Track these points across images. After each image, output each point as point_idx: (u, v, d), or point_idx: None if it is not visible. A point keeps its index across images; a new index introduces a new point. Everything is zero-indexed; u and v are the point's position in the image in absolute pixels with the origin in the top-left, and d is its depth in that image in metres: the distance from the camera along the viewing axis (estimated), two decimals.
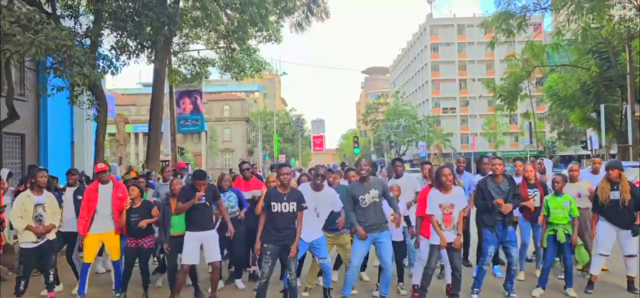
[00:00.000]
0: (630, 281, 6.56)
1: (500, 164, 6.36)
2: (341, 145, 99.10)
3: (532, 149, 45.94)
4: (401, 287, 6.70)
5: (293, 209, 5.58)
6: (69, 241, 7.19)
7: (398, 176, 7.35)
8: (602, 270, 7.08)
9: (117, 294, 6.60)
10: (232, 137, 67.70)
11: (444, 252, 5.96)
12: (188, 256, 6.12)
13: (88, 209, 6.54)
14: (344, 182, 7.35)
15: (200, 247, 6.26)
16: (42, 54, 7.83)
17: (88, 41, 11.28)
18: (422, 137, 67.71)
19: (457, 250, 5.80)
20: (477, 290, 6.33)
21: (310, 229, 6.00)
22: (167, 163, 17.18)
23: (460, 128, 78.63)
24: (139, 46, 11.53)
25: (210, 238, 6.24)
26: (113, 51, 11.39)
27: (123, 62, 11.54)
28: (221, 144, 66.21)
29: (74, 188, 7.32)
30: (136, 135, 59.07)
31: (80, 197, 6.91)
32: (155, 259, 8.33)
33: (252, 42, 19.14)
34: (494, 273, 7.45)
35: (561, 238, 6.37)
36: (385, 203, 6.10)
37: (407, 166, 9.93)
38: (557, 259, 7.41)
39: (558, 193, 6.56)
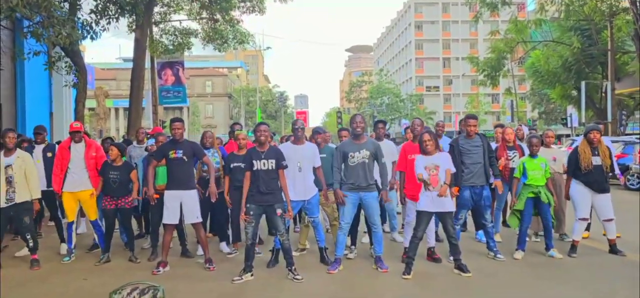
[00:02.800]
0: (612, 243, 6.68)
1: (474, 125, 6.47)
2: (325, 123, 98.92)
3: (513, 126, 46.40)
4: (351, 250, 6.69)
5: (272, 166, 5.55)
6: (45, 200, 7.09)
7: (378, 138, 7.21)
8: (583, 238, 7.20)
9: (102, 256, 6.57)
10: (214, 113, 67.13)
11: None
12: (168, 215, 6.03)
13: (61, 167, 6.55)
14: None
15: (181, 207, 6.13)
16: (22, 7, 7.48)
17: (67, 5, 10.95)
18: (405, 115, 67.89)
19: (450, 215, 5.76)
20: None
21: (303, 187, 6.03)
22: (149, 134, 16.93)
23: (443, 106, 79.07)
24: (119, 10, 11.23)
25: (189, 197, 6.06)
26: (93, 15, 11.07)
27: (103, 26, 11.24)
28: (203, 119, 65.57)
29: (42, 146, 7.31)
30: (116, 110, 58.19)
31: (49, 154, 6.94)
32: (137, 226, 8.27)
33: (235, 13, 18.90)
34: (478, 239, 7.52)
35: (545, 199, 6.47)
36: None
37: None
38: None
39: (534, 155, 6.59)
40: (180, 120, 6.20)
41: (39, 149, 7.22)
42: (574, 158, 6.73)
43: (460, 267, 5.77)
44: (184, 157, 5.99)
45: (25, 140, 7.38)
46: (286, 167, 5.71)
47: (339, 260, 6.05)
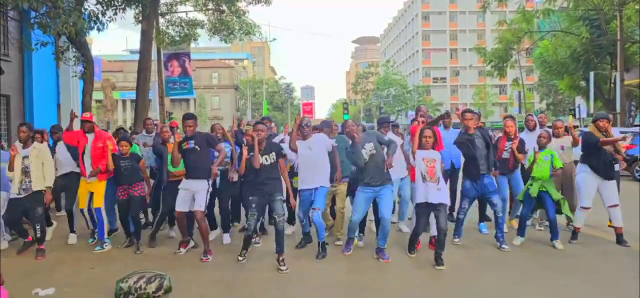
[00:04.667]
0: (619, 233, 6.65)
1: (470, 119, 6.54)
2: (331, 114, 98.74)
3: (521, 119, 46.14)
4: (360, 238, 6.78)
5: (273, 160, 5.84)
6: (68, 186, 7.36)
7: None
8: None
9: (98, 247, 6.72)
10: (220, 105, 67.15)
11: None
12: (179, 204, 6.28)
13: (80, 150, 6.90)
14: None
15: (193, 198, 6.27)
16: (26, 1, 7.54)
17: None
18: (412, 107, 67.62)
19: (444, 208, 5.85)
20: (458, 235, 6.72)
21: (318, 175, 6.22)
22: (156, 126, 16.97)
23: (450, 98, 78.61)
24: (126, 1, 11.21)
25: (199, 188, 6.19)
26: (99, 6, 11.07)
27: (109, 17, 11.24)
28: (210, 111, 65.69)
29: (61, 143, 7.59)
30: (123, 102, 58.40)
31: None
32: (142, 215, 8.30)
33: (241, 4, 18.83)
34: (479, 230, 7.52)
35: (533, 192, 6.49)
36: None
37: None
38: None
39: (542, 148, 6.60)
40: (193, 116, 6.35)
41: (61, 144, 7.56)
42: (587, 138, 6.66)
43: (437, 259, 5.76)
44: (196, 147, 6.18)
45: (38, 132, 7.46)
46: (285, 155, 6.03)
47: (352, 240, 6.33)
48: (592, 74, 25.96)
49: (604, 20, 24.57)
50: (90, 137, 6.88)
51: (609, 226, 7.39)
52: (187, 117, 6.30)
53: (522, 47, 28.39)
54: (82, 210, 6.94)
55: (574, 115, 31.25)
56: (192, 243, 6.60)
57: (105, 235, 6.83)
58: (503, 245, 6.43)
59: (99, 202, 6.82)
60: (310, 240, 6.66)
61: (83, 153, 6.84)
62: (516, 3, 23.68)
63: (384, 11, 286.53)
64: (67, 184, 7.38)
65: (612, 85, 26.93)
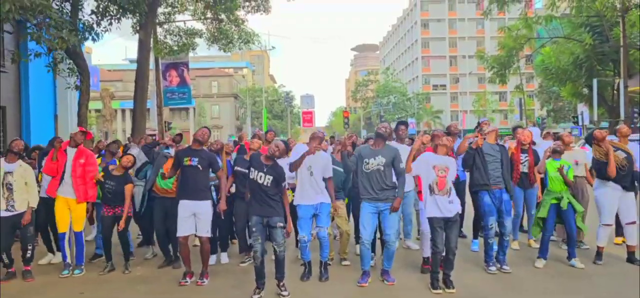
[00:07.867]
0: (631, 251, 6.33)
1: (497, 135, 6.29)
2: (331, 123, 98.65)
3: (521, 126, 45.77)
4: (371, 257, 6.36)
5: (268, 183, 5.17)
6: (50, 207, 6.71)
7: (400, 141, 6.86)
8: (616, 244, 6.91)
9: (77, 270, 6.26)
10: (220, 114, 66.97)
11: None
12: (182, 227, 5.67)
13: (58, 169, 6.30)
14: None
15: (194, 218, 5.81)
16: (16, 12, 7.28)
17: (69, 6, 10.71)
18: (412, 114, 67.47)
19: (456, 227, 5.46)
20: (492, 262, 6.06)
21: (314, 192, 5.75)
22: (154, 136, 16.69)
23: (450, 105, 78.46)
24: (121, 10, 10.95)
25: (202, 210, 5.70)
26: (93, 16, 10.81)
27: (104, 28, 10.98)
28: (210, 120, 65.37)
29: None
30: (123, 111, 58.21)
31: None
32: (139, 234, 7.97)
33: (240, 13, 18.61)
34: (471, 248, 7.14)
35: (564, 205, 6.10)
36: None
37: None
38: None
39: (557, 157, 6.28)
40: (208, 129, 6.14)
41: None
42: (599, 166, 6.39)
43: (446, 281, 5.40)
44: (199, 166, 5.67)
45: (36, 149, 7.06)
46: (286, 186, 5.44)
47: (368, 272, 5.70)
48: (595, 80, 25.68)
49: (607, 27, 24.32)
50: (71, 153, 6.31)
51: (616, 244, 7.05)
52: (200, 133, 6.01)
53: (522, 54, 28.13)
54: (62, 236, 6.27)
55: (577, 123, 30.96)
56: (193, 278, 5.89)
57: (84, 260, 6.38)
58: (504, 266, 6.05)
59: (79, 225, 6.30)
60: (311, 272, 5.96)
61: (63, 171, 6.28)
62: (518, 9, 23.44)
63: (383, 19, 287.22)
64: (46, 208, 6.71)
65: (615, 91, 26.66)
